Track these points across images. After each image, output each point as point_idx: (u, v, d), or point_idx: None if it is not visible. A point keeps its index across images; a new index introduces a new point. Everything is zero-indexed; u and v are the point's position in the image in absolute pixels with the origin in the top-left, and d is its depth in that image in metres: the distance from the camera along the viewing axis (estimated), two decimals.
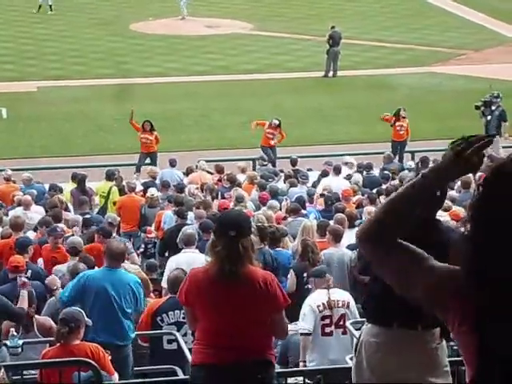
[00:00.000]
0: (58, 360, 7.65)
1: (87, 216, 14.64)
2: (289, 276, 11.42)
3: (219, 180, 18.58)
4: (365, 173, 19.51)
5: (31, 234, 13.57)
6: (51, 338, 8.35)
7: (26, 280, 9.31)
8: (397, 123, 24.00)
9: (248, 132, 25.86)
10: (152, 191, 17.07)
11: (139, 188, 18.70)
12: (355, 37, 37.98)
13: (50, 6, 42.37)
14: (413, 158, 23.14)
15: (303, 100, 30.42)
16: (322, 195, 16.89)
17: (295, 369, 8.89)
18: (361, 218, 13.90)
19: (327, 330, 9.21)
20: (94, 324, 8.33)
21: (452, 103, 29.32)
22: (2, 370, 7.35)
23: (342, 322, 9.24)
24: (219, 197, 17.02)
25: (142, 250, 15.06)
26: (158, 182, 18.95)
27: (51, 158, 24.29)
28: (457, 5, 46.51)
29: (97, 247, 11.95)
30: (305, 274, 11.05)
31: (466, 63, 36.05)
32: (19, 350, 8.30)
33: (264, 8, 45.45)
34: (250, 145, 24.86)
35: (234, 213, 7.00)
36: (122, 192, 18.05)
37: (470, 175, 17.03)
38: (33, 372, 8.06)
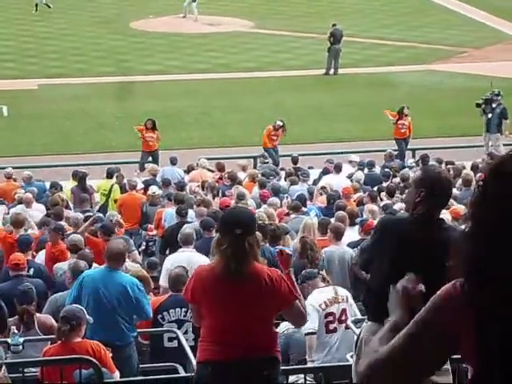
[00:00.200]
0: (58, 358, 7.66)
1: (88, 214, 14.64)
2: None
3: (220, 178, 18.59)
4: (366, 170, 19.52)
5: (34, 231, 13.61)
6: (52, 336, 8.35)
7: None
8: (399, 121, 23.99)
9: (249, 130, 25.90)
10: (153, 189, 17.08)
11: (140, 186, 18.71)
12: (356, 34, 37.96)
13: (47, 4, 42.23)
14: (414, 156, 23.15)
15: (304, 98, 30.42)
16: (322, 188, 16.91)
17: (296, 366, 8.89)
18: (362, 216, 13.91)
19: (331, 326, 9.20)
20: (93, 322, 8.32)
21: (453, 101, 29.32)
22: (4, 367, 7.36)
23: (344, 317, 9.25)
24: (220, 195, 17.02)
25: (143, 247, 15.06)
26: (158, 179, 18.96)
27: (52, 156, 24.30)
28: (458, 2, 46.49)
29: (102, 244, 11.94)
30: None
31: (467, 61, 36.03)
32: (20, 347, 8.30)
33: (264, 6, 45.44)
34: (250, 143, 24.87)
35: (239, 210, 6.96)
36: (122, 190, 18.07)
37: (471, 173, 17.04)
38: (33, 370, 8.07)
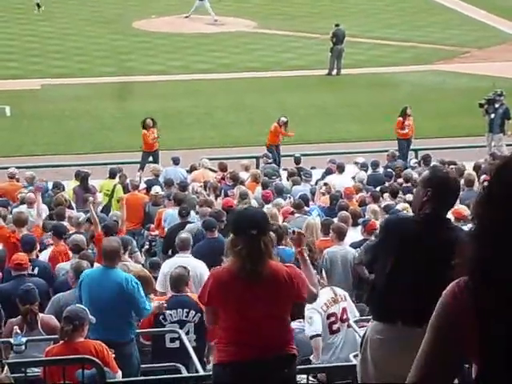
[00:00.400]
0: (61, 358, 7.66)
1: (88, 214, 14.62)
2: None
3: (222, 178, 18.59)
4: (371, 170, 19.53)
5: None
6: (55, 336, 8.35)
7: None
8: (405, 122, 23.94)
9: (251, 130, 25.90)
10: (156, 189, 17.09)
11: (142, 186, 18.72)
12: (359, 35, 37.95)
13: (38, 4, 42.20)
14: (416, 157, 23.13)
15: (306, 98, 30.41)
16: (325, 184, 16.92)
17: (299, 366, 8.88)
18: (364, 216, 13.90)
19: (334, 327, 9.20)
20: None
21: (455, 101, 29.30)
22: (6, 367, 7.35)
23: (345, 316, 9.25)
24: (222, 195, 17.03)
25: (146, 247, 15.08)
26: (161, 179, 18.97)
27: (54, 156, 24.32)
28: (460, 2, 46.46)
29: None
30: None
31: (470, 61, 36.00)
32: (23, 347, 8.31)
33: (267, 6, 45.44)
34: (253, 143, 24.87)
35: (253, 211, 6.94)
36: (125, 190, 18.07)
37: (473, 173, 17.02)
38: (36, 370, 8.06)
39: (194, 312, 9.30)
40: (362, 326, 9.43)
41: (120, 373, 8.02)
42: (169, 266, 11.39)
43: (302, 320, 9.26)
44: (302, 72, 34.05)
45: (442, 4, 46.80)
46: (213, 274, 6.19)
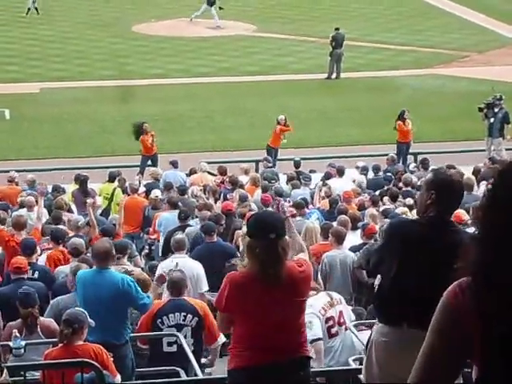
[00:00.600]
0: (60, 361, 7.66)
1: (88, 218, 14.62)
2: None
3: (222, 182, 18.59)
4: (373, 174, 19.54)
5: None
6: (55, 340, 8.35)
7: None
8: (405, 128, 23.93)
9: (251, 133, 25.91)
10: (156, 193, 17.09)
11: (142, 189, 18.72)
12: (358, 39, 37.99)
13: (29, 9, 42.14)
14: (415, 161, 23.14)
15: (306, 102, 30.43)
16: (324, 185, 16.94)
17: None
18: (364, 220, 13.90)
19: (333, 331, 9.20)
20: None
21: (455, 105, 29.32)
22: (5, 371, 7.35)
23: (342, 319, 9.25)
24: (222, 198, 17.03)
25: (146, 251, 15.08)
26: (161, 183, 18.97)
27: (54, 160, 24.32)
28: (460, 6, 46.51)
29: None
30: None
31: (469, 65, 36.04)
32: (22, 351, 8.30)
33: (267, 10, 45.48)
34: (253, 146, 24.88)
35: (270, 214, 6.94)
36: (124, 193, 18.07)
37: (473, 177, 17.03)
38: (35, 374, 8.06)
39: (191, 316, 9.29)
40: (361, 330, 9.44)
41: (119, 376, 8.02)
42: (165, 267, 11.44)
43: None
44: (301, 76, 34.08)
45: (442, 8, 46.84)
46: (230, 278, 6.06)
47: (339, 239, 11.92)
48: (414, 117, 24.33)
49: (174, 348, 9.13)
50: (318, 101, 30.77)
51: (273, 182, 18.38)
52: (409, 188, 17.53)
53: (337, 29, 33.91)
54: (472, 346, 2.82)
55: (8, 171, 19.14)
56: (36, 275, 11.00)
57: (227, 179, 18.27)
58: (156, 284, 10.24)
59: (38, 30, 40.46)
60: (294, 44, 38.73)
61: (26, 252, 11.33)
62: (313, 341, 8.90)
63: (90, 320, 8.08)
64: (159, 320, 9.28)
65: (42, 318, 9.08)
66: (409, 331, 5.53)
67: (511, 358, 2.76)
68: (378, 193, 17.16)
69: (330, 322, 9.18)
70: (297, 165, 20.64)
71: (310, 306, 9.20)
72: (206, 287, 11.44)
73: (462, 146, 24.34)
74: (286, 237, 6.13)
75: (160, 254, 14.25)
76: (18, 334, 8.45)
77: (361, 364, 8.61)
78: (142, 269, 12.26)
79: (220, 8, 41.24)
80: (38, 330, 8.93)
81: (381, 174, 19.72)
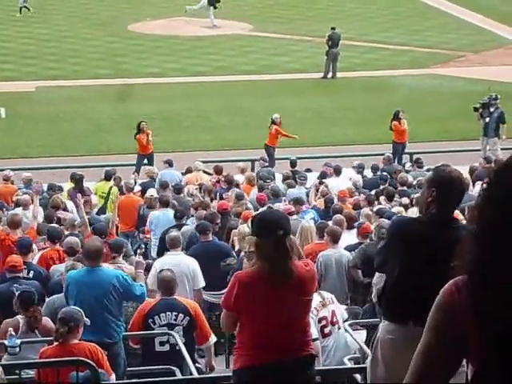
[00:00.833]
0: (55, 360, 7.65)
1: (88, 216, 14.60)
2: None
3: (217, 181, 18.59)
4: (371, 174, 19.54)
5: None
6: (51, 338, 8.34)
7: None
8: (401, 127, 23.91)
9: (247, 133, 25.90)
10: (151, 192, 17.07)
11: (137, 188, 18.70)
12: (355, 38, 38.00)
13: (21, 8, 42.07)
14: (411, 160, 23.15)
15: (302, 101, 30.43)
16: (320, 183, 16.96)
17: None
18: (359, 220, 13.89)
19: (326, 330, 9.19)
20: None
21: (451, 105, 29.34)
22: (0, 369, 7.34)
23: (335, 319, 9.24)
24: (217, 198, 17.02)
25: (142, 250, 15.08)
26: (157, 182, 18.96)
27: (49, 158, 24.29)
28: (456, 7, 46.54)
29: None
30: None
31: (466, 65, 36.07)
32: (17, 349, 8.30)
33: (263, 9, 45.48)
34: (249, 146, 24.88)
35: (275, 212, 6.94)
36: (120, 192, 18.04)
37: (468, 176, 17.04)
38: (31, 372, 8.05)
39: (182, 315, 9.26)
40: (357, 330, 9.43)
41: (114, 376, 8.01)
42: (160, 265, 11.44)
43: None
44: (297, 75, 34.08)
45: (439, 8, 46.87)
46: (238, 277, 6.00)
47: (334, 238, 11.92)
48: (409, 117, 24.33)
49: (167, 347, 9.11)
50: (314, 100, 30.78)
51: (268, 181, 18.38)
52: (404, 187, 17.54)
53: (333, 28, 33.91)
54: (467, 344, 2.83)
55: (3, 170, 19.10)
56: (31, 275, 10.99)
57: (223, 178, 18.27)
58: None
59: (33, 28, 40.40)
60: (290, 43, 38.73)
61: (22, 251, 11.32)
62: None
63: (85, 319, 8.07)
64: (150, 320, 9.25)
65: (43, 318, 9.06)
66: (414, 329, 5.54)
67: (507, 357, 2.76)
68: (373, 192, 17.17)
69: (323, 322, 9.17)
70: (293, 164, 20.64)
71: None
72: (202, 283, 11.46)
73: (457, 146, 24.37)
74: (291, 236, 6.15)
75: (155, 255, 14.21)
76: (13, 333, 8.44)
77: (356, 363, 8.63)
78: None
79: (215, 7, 41.16)
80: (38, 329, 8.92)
81: (379, 173, 19.72)
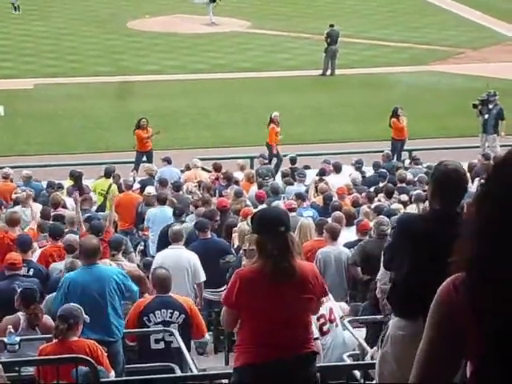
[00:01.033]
0: (54, 357, 7.65)
1: (88, 214, 14.61)
2: None
3: (216, 178, 18.58)
4: (372, 171, 19.54)
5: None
6: (50, 335, 8.34)
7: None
8: (400, 124, 23.90)
9: (246, 130, 25.89)
10: (149, 189, 17.07)
11: (136, 186, 18.70)
12: (353, 35, 37.98)
13: (15, 6, 42.03)
14: (410, 157, 23.15)
15: (301, 98, 30.42)
16: (320, 180, 17.00)
17: None
18: (359, 217, 13.90)
19: (324, 328, 9.18)
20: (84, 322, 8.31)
21: (450, 102, 29.33)
22: None
23: (333, 316, 9.24)
24: (217, 195, 17.02)
25: (141, 247, 15.07)
26: (156, 179, 18.95)
27: (48, 156, 24.28)
28: (455, 3, 46.53)
29: None
30: None
31: (465, 62, 36.06)
32: (16, 347, 8.30)
33: (262, 6, 45.44)
34: (248, 143, 24.87)
35: (275, 208, 6.93)
36: (119, 190, 18.06)
37: (467, 174, 17.01)
38: (30, 369, 8.05)
39: (177, 313, 9.24)
40: (357, 327, 9.43)
41: (113, 373, 8.02)
42: (162, 257, 11.49)
43: None
44: (296, 72, 34.06)
45: (438, 5, 46.85)
46: (239, 274, 5.98)
47: (334, 235, 11.92)
48: (408, 113, 24.32)
49: (162, 345, 9.09)
50: (313, 97, 30.77)
51: (266, 178, 18.37)
52: (403, 184, 17.54)
53: (331, 25, 33.90)
54: (468, 341, 2.82)
55: (2, 168, 19.08)
56: (31, 272, 10.98)
57: (222, 176, 18.26)
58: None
59: (31, 26, 40.36)
60: (289, 40, 38.71)
61: (22, 248, 11.31)
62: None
63: (85, 316, 8.08)
64: (145, 317, 9.22)
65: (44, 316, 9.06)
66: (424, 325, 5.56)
67: (506, 353, 2.76)
68: (372, 189, 17.17)
69: (322, 320, 9.17)
70: (293, 161, 20.65)
71: None
72: (203, 277, 11.48)
73: (456, 143, 24.35)
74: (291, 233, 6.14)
75: (153, 252, 14.21)
76: (12, 330, 8.44)
77: (355, 360, 8.64)
78: (138, 265, 12.25)
79: (214, 1, 41.09)
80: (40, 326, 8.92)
81: (382, 170, 19.70)
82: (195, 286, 11.60)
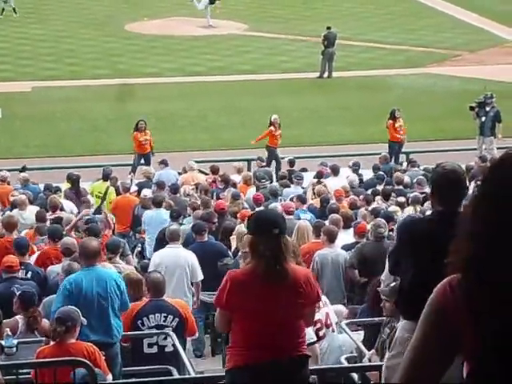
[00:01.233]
0: (52, 360, 7.65)
1: (87, 216, 14.60)
2: None
3: (213, 181, 18.58)
4: (372, 174, 19.56)
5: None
6: (48, 338, 8.34)
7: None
8: (396, 124, 23.93)
9: (243, 132, 25.88)
10: (145, 192, 17.06)
11: (134, 188, 18.70)
12: (350, 38, 38.01)
13: (13, 8, 42.06)
14: (407, 159, 23.16)
15: (298, 101, 30.43)
16: (318, 182, 17.06)
17: None
18: (356, 219, 13.91)
19: (320, 333, 9.17)
20: (85, 324, 8.31)
21: (446, 104, 29.35)
22: None
23: (329, 321, 9.23)
24: (214, 197, 17.02)
25: (139, 249, 15.07)
26: (154, 182, 18.95)
27: (45, 159, 24.28)
28: (452, 6, 46.57)
29: None
30: None
31: (461, 64, 36.10)
32: (14, 349, 8.30)
33: (259, 9, 45.47)
34: (245, 145, 24.87)
35: (271, 211, 6.95)
36: (116, 192, 18.06)
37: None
38: (28, 371, 8.05)
39: (172, 317, 9.23)
40: (356, 330, 9.42)
41: (111, 376, 8.02)
42: (159, 257, 11.55)
43: None
44: (293, 75, 34.08)
45: (434, 7, 46.89)
46: (231, 276, 6.02)
47: (331, 238, 11.93)
48: (405, 116, 24.33)
49: (155, 349, 9.06)
50: (310, 100, 30.79)
51: (263, 181, 18.36)
52: (400, 187, 17.56)
53: (329, 28, 33.93)
54: (460, 342, 2.83)
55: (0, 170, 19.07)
56: (29, 275, 10.98)
57: (219, 178, 18.26)
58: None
59: (29, 29, 40.35)
60: (286, 43, 38.73)
61: (19, 251, 11.30)
62: (309, 344, 8.85)
63: (82, 318, 8.08)
64: (139, 321, 9.21)
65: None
66: None
67: (504, 354, 2.76)
68: (370, 191, 17.18)
69: (318, 325, 9.15)
70: (291, 163, 20.65)
71: None
72: (200, 276, 11.50)
73: (452, 145, 24.37)
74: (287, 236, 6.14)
75: (151, 255, 14.20)
76: (10, 333, 8.44)
77: (353, 362, 8.64)
78: (135, 268, 12.25)
79: (212, 3, 41.10)
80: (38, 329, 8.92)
81: (381, 173, 19.70)
82: (193, 286, 11.63)
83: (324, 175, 18.95)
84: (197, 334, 9.84)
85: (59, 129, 27.64)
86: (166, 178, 19.15)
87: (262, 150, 23.33)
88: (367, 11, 45.24)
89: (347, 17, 43.25)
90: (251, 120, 27.61)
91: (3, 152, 25.08)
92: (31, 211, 15.25)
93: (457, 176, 5.87)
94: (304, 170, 20.68)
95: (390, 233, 12.21)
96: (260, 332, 5.90)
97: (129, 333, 9.24)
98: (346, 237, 12.82)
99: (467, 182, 15.75)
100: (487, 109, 23.70)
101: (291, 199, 15.90)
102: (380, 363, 7.80)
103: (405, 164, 22.37)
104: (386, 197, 16.41)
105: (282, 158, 22.38)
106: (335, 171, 19.09)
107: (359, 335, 9.33)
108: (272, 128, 23.58)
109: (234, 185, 17.91)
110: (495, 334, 2.75)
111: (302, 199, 15.69)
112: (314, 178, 19.00)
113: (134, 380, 8.77)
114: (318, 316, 9.12)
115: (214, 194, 17.33)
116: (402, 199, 15.79)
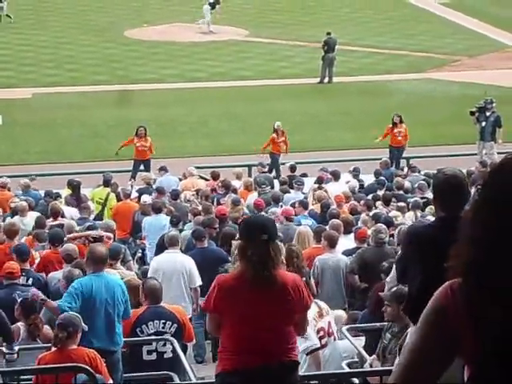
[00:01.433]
0: (53, 366, 7.64)
1: (89, 223, 14.59)
2: None
3: (213, 188, 18.56)
4: (374, 179, 19.56)
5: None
6: (49, 344, 8.34)
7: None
8: (395, 129, 23.95)
9: (244, 138, 25.89)
10: (145, 198, 17.06)
11: (134, 195, 18.70)
12: (350, 43, 38.06)
13: (8, 15, 42.11)
14: (407, 165, 23.16)
15: (299, 106, 30.46)
16: (319, 188, 17.09)
17: None
18: (357, 224, 13.91)
19: (323, 341, 9.14)
20: (90, 330, 8.31)
21: (446, 109, 29.37)
22: None
23: (331, 330, 9.19)
24: (215, 203, 17.01)
25: (139, 255, 15.07)
26: (154, 188, 18.94)
27: (46, 165, 24.28)
28: (452, 11, 46.63)
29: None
30: None
31: (461, 69, 36.13)
32: (15, 356, 8.30)
33: (259, 15, 45.55)
34: (246, 151, 24.89)
35: (262, 217, 6.97)
36: (117, 198, 18.06)
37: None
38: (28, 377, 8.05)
39: (170, 323, 9.22)
40: (357, 336, 9.41)
41: (111, 382, 8.01)
42: (157, 262, 11.59)
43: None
44: (294, 80, 34.13)
45: (434, 12, 46.95)
46: (219, 281, 6.07)
47: (332, 243, 11.92)
48: (406, 121, 24.32)
49: (154, 356, 9.04)
50: (311, 105, 30.81)
51: (263, 186, 18.35)
52: (401, 192, 17.56)
53: (329, 33, 33.98)
54: (459, 346, 2.83)
55: (0, 177, 19.07)
56: (30, 282, 10.98)
57: (220, 184, 18.25)
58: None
59: (31, 35, 40.42)
60: (287, 49, 38.79)
61: (21, 257, 11.29)
62: (312, 351, 8.80)
63: (83, 324, 8.08)
64: (138, 328, 9.19)
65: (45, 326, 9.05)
66: None
67: (505, 359, 2.75)
68: (370, 197, 17.18)
69: (321, 333, 9.12)
70: (293, 169, 20.66)
71: None
72: (199, 282, 11.50)
73: (453, 150, 24.37)
74: (278, 242, 6.14)
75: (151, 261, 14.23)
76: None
77: (354, 368, 8.63)
78: (136, 274, 12.25)
79: (213, 8, 41.19)
80: (40, 336, 8.92)
81: (382, 178, 19.69)
82: (191, 291, 11.63)
83: (324, 180, 18.93)
84: (194, 340, 9.87)
85: (60, 135, 27.66)
86: (166, 184, 19.15)
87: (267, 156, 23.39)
88: (366, 16, 45.30)
89: (346, 22, 43.32)
90: (252, 126, 27.65)
91: (4, 158, 25.11)
92: (32, 217, 15.24)
93: (458, 181, 5.86)
94: (304, 175, 20.67)
95: (391, 238, 12.21)
96: (249, 337, 5.92)
97: (129, 339, 9.24)
98: (346, 242, 12.82)
99: (469, 187, 15.75)
100: (487, 114, 23.71)
101: (293, 205, 15.87)
102: (381, 368, 7.82)
103: (405, 169, 22.37)
104: (387, 202, 16.40)
105: (283, 164, 22.37)
106: (336, 176, 19.09)
107: (360, 341, 9.31)
108: (274, 135, 23.58)
109: (235, 190, 17.91)
110: (495, 338, 2.75)
111: (303, 204, 15.69)
112: (315, 183, 18.99)
113: None
114: (321, 324, 9.10)
115: (215, 199, 17.33)
116: (402, 204, 15.79)
